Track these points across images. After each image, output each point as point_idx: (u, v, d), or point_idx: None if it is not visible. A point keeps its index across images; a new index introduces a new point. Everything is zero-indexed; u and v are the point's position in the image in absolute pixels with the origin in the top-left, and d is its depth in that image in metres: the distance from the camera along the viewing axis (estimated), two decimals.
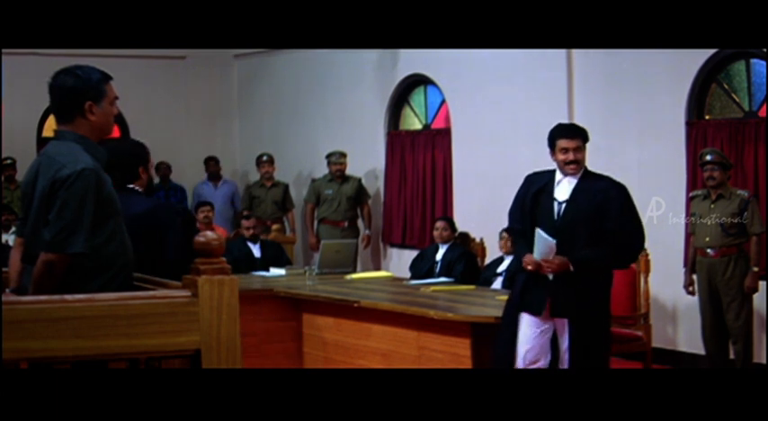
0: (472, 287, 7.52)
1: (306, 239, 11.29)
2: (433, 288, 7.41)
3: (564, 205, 5.67)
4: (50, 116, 11.05)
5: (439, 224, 8.70)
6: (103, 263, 3.61)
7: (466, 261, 8.35)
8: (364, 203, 10.90)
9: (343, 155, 10.79)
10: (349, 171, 10.85)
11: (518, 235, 5.93)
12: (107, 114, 3.73)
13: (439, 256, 8.51)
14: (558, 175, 5.75)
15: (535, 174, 5.92)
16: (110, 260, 3.63)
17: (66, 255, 3.51)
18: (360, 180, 10.87)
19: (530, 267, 5.63)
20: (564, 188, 5.70)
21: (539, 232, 5.56)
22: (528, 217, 5.75)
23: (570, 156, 5.67)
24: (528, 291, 5.68)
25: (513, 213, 5.96)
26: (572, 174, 5.69)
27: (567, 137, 5.70)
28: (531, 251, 5.63)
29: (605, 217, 5.58)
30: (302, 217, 11.53)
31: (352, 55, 11.04)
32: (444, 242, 8.57)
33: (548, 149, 5.80)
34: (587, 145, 5.80)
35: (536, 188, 5.77)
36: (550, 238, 5.54)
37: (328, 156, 10.85)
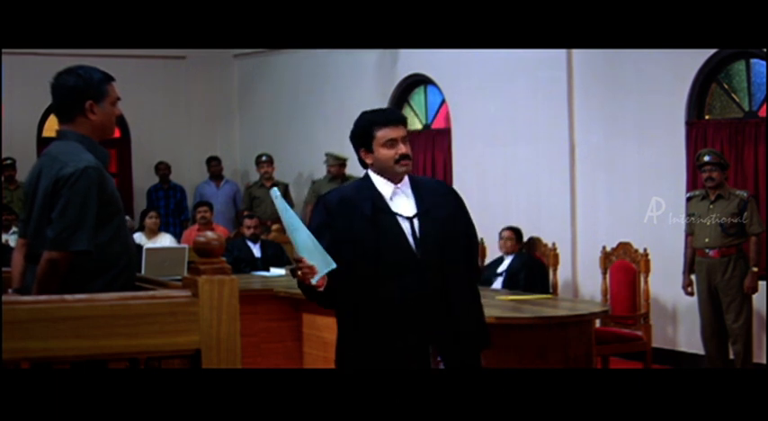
0: None
1: None
2: None
3: (417, 221, 4.04)
4: (51, 116, 11.08)
5: None
6: (106, 262, 3.60)
7: None
8: None
9: (337, 158, 10.72)
10: (349, 171, 10.84)
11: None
12: (108, 114, 3.72)
13: None
14: (381, 184, 4.13)
15: (335, 194, 4.32)
16: (113, 259, 3.63)
17: (69, 253, 3.51)
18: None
19: None
20: (401, 199, 4.09)
21: None
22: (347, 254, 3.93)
23: (401, 148, 4.06)
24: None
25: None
26: (403, 174, 4.11)
27: (391, 124, 4.07)
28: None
29: (461, 226, 4.18)
30: (302, 218, 11.48)
31: (352, 55, 11.04)
32: None
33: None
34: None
35: (368, 208, 4.08)
36: None
37: (326, 156, 10.84)
